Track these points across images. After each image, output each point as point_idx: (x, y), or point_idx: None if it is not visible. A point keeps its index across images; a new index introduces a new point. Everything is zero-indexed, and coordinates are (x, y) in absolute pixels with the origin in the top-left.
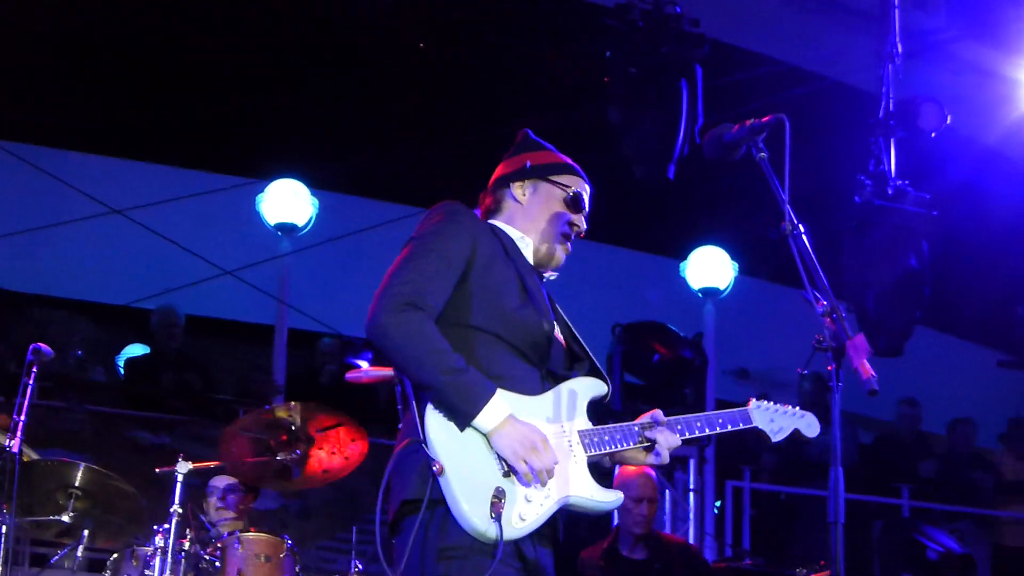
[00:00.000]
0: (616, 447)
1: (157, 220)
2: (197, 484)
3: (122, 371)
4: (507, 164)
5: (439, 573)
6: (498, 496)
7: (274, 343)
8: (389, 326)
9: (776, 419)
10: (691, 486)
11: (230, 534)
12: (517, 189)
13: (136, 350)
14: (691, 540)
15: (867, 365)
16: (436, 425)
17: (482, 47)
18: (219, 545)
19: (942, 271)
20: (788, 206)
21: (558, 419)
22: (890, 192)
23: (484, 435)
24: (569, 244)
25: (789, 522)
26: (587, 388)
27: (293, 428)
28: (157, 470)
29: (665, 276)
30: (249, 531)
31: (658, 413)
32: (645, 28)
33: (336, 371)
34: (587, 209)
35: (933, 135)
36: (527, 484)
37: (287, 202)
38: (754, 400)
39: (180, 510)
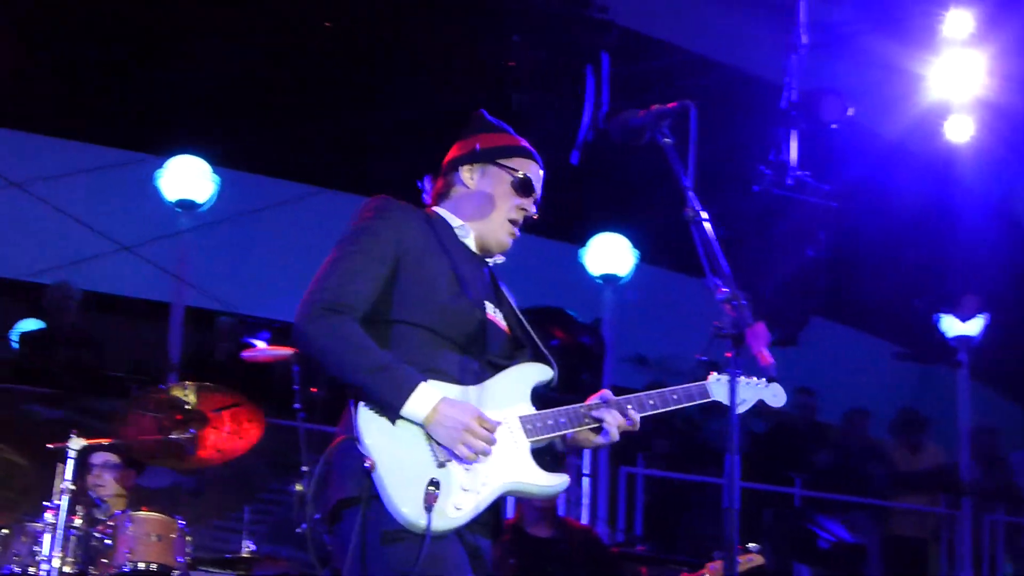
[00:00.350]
0: (560, 430)
1: (56, 194)
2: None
3: (16, 345)
4: (459, 146)
5: (381, 557)
6: (433, 486)
7: (170, 320)
8: (310, 334)
9: (738, 391)
10: (585, 471)
11: (122, 512)
12: (465, 173)
13: (30, 324)
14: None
15: (766, 353)
16: (368, 422)
17: (387, 27)
18: (110, 523)
19: (841, 262)
20: (691, 192)
21: (497, 407)
22: (790, 182)
23: (420, 427)
24: (516, 229)
25: (681, 509)
26: (529, 374)
27: (188, 407)
28: (50, 445)
29: (565, 262)
30: (141, 510)
31: (607, 393)
32: (553, 13)
33: (233, 350)
34: (538, 192)
35: (835, 127)
36: (469, 465)
37: (187, 178)
38: (715, 373)
39: (72, 487)
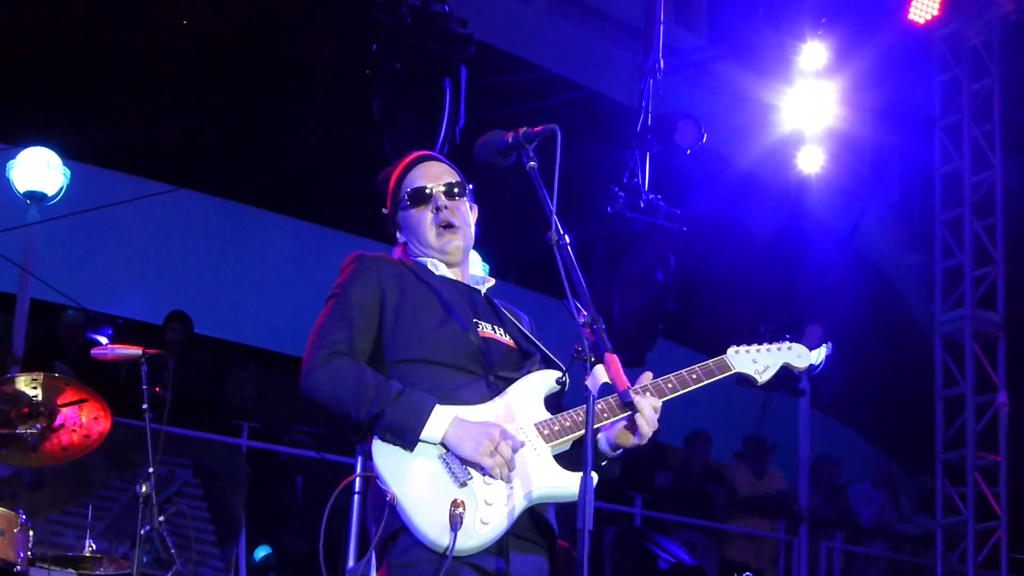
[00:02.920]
0: (580, 428)
1: None
2: None
3: None
4: None
5: None
6: (456, 506)
7: (15, 312)
8: (319, 380)
9: (759, 359)
10: None
11: None
12: (396, 234)
13: None
14: None
15: (624, 378)
16: (383, 455)
17: (249, 27)
18: None
19: (689, 286)
20: (555, 216)
21: (511, 419)
22: (642, 205)
23: (437, 450)
24: (450, 230)
25: None
26: (539, 382)
27: (35, 400)
28: None
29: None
30: None
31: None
32: (413, 24)
33: (78, 345)
34: (436, 184)
35: (689, 152)
36: (491, 479)
37: (38, 170)
38: (733, 346)
39: None
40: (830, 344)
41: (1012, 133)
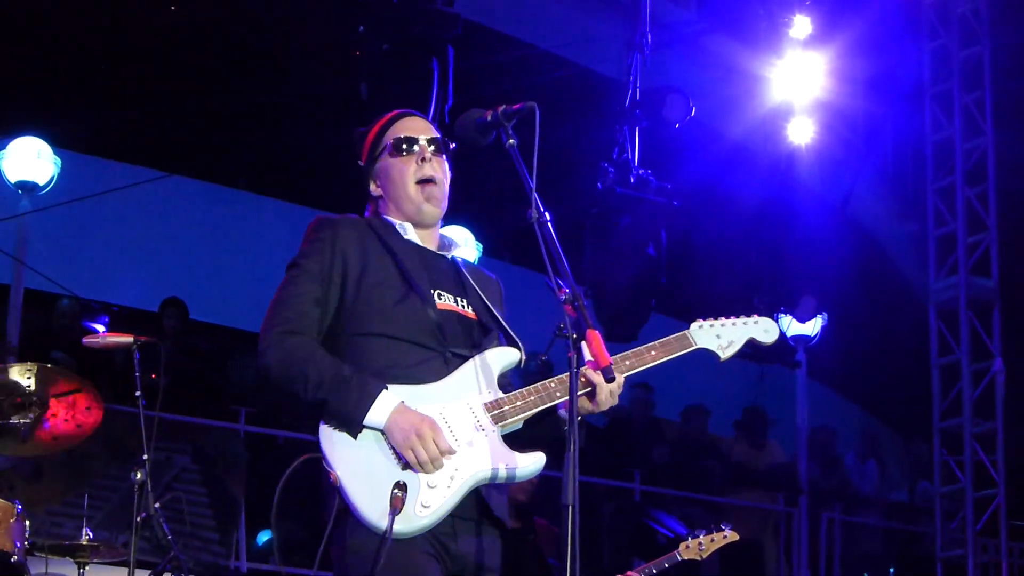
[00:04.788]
0: (531, 408)
1: None
2: None
3: None
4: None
5: (352, 566)
6: (399, 488)
7: (9, 303)
8: (271, 363)
9: (723, 333)
10: None
11: None
12: (371, 186)
13: None
14: None
15: (606, 354)
16: (328, 435)
17: (235, 11)
18: None
19: (682, 259)
20: (535, 194)
21: (461, 398)
22: (632, 181)
23: (381, 432)
24: (429, 186)
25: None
26: (495, 359)
27: (28, 390)
28: None
29: None
30: None
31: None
32: (399, 5)
33: (74, 334)
34: (423, 135)
35: (678, 126)
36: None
37: (28, 160)
38: (699, 320)
39: None
40: (825, 315)
41: (1003, 100)
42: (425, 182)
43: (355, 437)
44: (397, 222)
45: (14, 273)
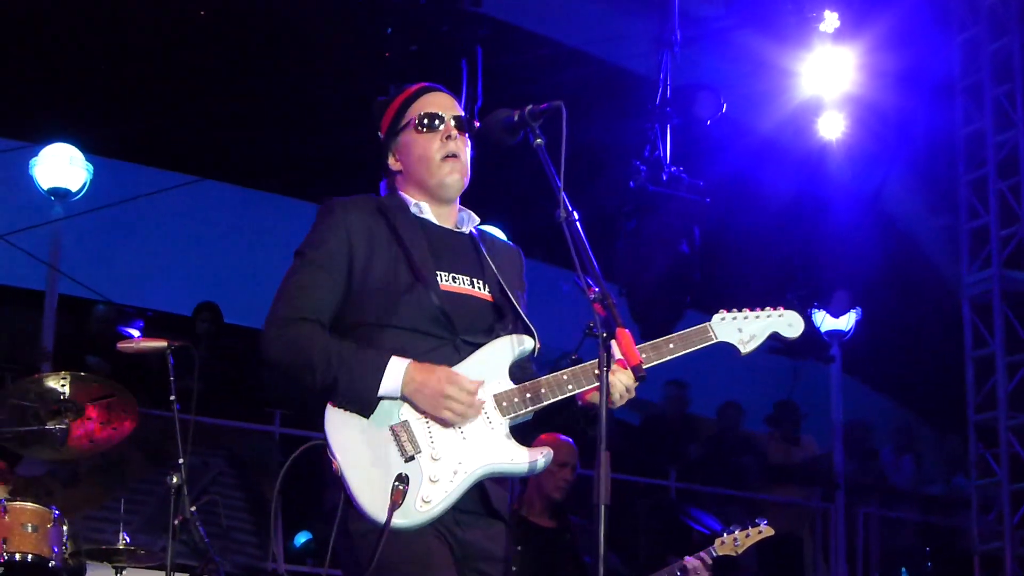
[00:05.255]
0: (541, 401)
1: None
2: None
3: None
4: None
5: (354, 557)
6: (400, 482)
7: (44, 309)
8: (276, 351)
9: (745, 327)
10: None
11: None
12: (390, 161)
13: None
14: None
15: (636, 352)
16: (333, 423)
17: (263, 16)
18: None
19: (715, 256)
20: (563, 193)
21: None
22: (664, 178)
23: (387, 418)
24: (454, 160)
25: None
26: (505, 348)
27: (63, 397)
28: None
29: None
30: (15, 500)
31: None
32: (427, 6)
33: (109, 339)
34: (448, 112)
35: (709, 123)
36: (438, 456)
37: (61, 167)
38: (722, 311)
39: None
40: (859, 309)
41: None
42: (449, 157)
43: (368, 417)
44: (413, 201)
45: (48, 279)
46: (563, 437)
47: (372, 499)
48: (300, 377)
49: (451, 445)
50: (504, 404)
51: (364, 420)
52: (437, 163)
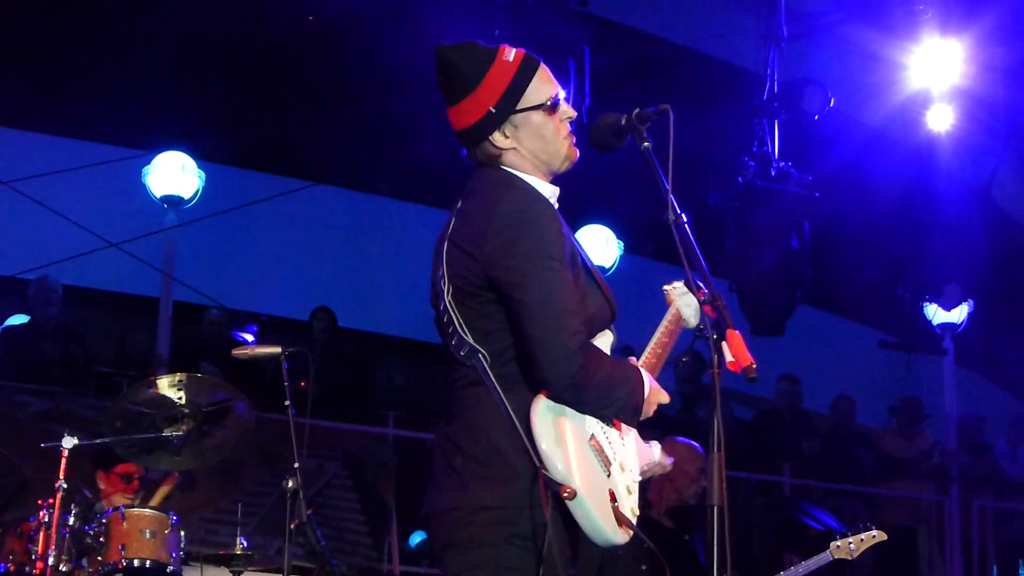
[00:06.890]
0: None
1: (43, 191)
2: (82, 458)
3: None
4: (460, 112)
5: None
6: (614, 498)
7: (159, 316)
8: (582, 388)
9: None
10: None
11: (115, 509)
12: (499, 137)
13: (16, 320)
14: None
15: (747, 354)
16: (554, 447)
17: (371, 20)
18: (103, 521)
19: (825, 251)
20: (672, 196)
21: None
22: (773, 174)
23: (588, 431)
24: (572, 138)
25: None
26: (610, 339)
27: (179, 403)
28: (42, 444)
29: None
30: (133, 506)
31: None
32: (534, 7)
33: (223, 344)
34: (561, 92)
35: (817, 117)
36: (625, 466)
37: (173, 174)
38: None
39: (65, 485)
40: (971, 301)
41: None
42: (568, 140)
43: (622, 432)
44: (538, 182)
45: (163, 287)
46: (695, 444)
47: (606, 520)
48: (600, 407)
49: (625, 452)
50: None
51: (574, 436)
52: (563, 144)
